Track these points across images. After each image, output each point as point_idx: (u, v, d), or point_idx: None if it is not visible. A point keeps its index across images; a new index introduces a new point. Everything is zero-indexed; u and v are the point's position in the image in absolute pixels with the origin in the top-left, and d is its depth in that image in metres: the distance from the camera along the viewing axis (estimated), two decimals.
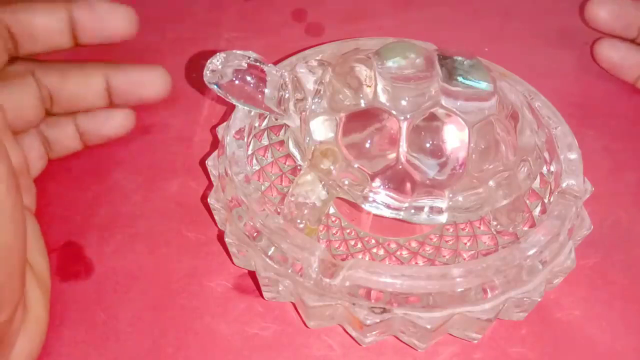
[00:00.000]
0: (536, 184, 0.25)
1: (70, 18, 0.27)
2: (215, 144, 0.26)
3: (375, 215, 0.23)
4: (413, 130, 0.22)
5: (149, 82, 0.29)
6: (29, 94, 0.26)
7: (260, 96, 0.23)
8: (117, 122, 0.29)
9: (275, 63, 0.26)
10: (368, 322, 0.21)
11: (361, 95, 0.22)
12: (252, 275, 0.25)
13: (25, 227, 0.20)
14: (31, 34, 0.27)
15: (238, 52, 0.23)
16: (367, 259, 0.25)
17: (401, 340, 0.23)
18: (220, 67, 0.22)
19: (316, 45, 0.28)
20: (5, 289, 0.19)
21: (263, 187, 0.26)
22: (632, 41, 0.34)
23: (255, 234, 0.22)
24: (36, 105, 0.26)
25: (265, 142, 0.27)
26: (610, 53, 0.34)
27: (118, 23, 0.28)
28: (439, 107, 0.22)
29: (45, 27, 0.27)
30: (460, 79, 0.22)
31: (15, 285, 0.19)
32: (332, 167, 0.23)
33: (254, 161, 0.26)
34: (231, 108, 0.25)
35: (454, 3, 0.40)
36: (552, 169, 0.24)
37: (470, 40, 0.37)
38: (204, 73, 0.22)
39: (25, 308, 0.21)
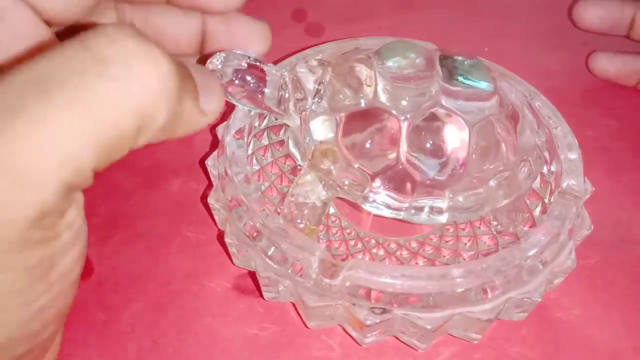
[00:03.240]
0: (536, 184, 0.25)
1: (203, 29, 0.24)
2: (215, 143, 0.26)
3: (376, 216, 0.23)
4: (413, 130, 0.22)
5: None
6: None
7: (260, 96, 0.23)
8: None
9: (275, 63, 0.26)
10: (368, 322, 0.20)
11: (361, 95, 0.22)
12: (252, 275, 0.25)
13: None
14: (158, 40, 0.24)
15: (238, 51, 0.22)
16: (367, 259, 0.25)
17: (401, 341, 0.23)
18: (220, 66, 0.22)
19: (316, 45, 0.28)
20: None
21: (263, 187, 0.26)
22: (626, 37, 0.34)
23: (255, 234, 0.22)
24: None
25: (265, 141, 0.27)
26: (606, 66, 0.34)
27: (252, 40, 0.25)
28: (439, 107, 0.22)
29: (174, 37, 0.24)
30: (460, 78, 0.22)
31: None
32: (332, 167, 0.23)
33: (254, 161, 0.26)
34: (231, 108, 0.25)
35: (454, 3, 0.40)
36: (553, 169, 0.24)
37: (470, 40, 0.37)
38: None
39: None
